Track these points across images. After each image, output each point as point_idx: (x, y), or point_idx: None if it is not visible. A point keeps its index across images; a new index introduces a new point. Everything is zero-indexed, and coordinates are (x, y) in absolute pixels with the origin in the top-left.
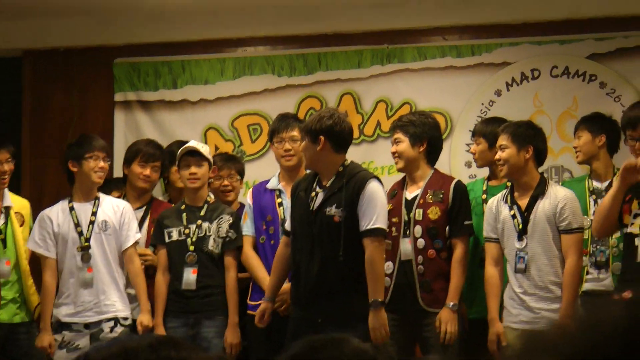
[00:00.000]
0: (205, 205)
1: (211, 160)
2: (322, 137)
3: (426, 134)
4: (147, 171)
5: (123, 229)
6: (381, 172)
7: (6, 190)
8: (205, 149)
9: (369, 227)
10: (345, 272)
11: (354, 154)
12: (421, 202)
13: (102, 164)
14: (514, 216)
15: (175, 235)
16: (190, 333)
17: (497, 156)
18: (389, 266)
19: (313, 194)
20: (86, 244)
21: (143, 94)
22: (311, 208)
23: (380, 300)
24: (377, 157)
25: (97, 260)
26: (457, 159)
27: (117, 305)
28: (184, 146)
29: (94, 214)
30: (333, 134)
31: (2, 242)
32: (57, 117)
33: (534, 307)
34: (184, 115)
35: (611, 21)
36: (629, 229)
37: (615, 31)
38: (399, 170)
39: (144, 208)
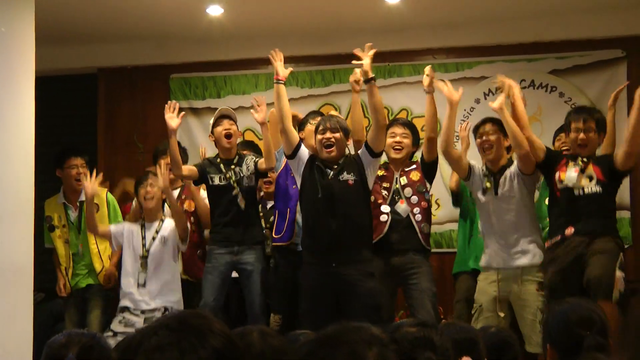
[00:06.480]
0: (237, 157)
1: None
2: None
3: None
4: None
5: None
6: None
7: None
8: (234, 113)
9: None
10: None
11: None
12: (401, 173)
13: (148, 189)
14: (485, 175)
15: (216, 180)
16: (235, 259)
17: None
18: (386, 207)
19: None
20: (146, 253)
21: (193, 102)
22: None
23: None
24: None
25: (152, 268)
26: None
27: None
28: (218, 110)
29: (157, 232)
30: None
31: (78, 230)
32: (125, 121)
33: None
34: None
35: (569, 43)
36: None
37: (572, 51)
38: (400, 158)
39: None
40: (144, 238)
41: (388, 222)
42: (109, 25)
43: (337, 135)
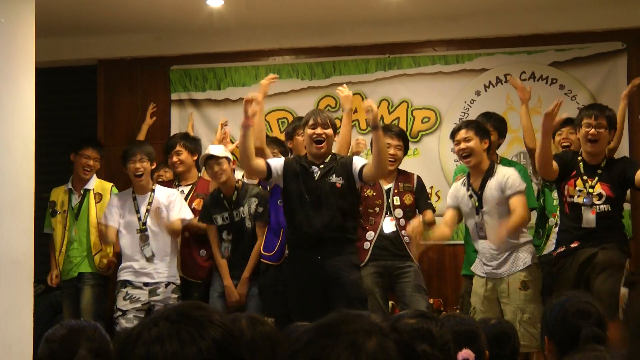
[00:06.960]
0: (236, 192)
1: (229, 155)
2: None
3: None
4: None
5: (172, 211)
6: None
7: (94, 177)
8: (219, 150)
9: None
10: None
11: None
12: (395, 191)
13: (137, 165)
14: (470, 196)
15: (220, 221)
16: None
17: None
18: (370, 234)
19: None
20: (143, 227)
21: (193, 94)
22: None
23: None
24: None
25: (152, 238)
26: (445, 146)
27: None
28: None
29: (149, 203)
30: None
31: (75, 216)
32: (125, 113)
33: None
34: (227, 111)
35: (569, 35)
36: (575, 200)
37: (572, 43)
38: (392, 170)
39: (190, 186)
40: (137, 212)
41: (370, 250)
42: (109, 16)
43: (328, 131)
